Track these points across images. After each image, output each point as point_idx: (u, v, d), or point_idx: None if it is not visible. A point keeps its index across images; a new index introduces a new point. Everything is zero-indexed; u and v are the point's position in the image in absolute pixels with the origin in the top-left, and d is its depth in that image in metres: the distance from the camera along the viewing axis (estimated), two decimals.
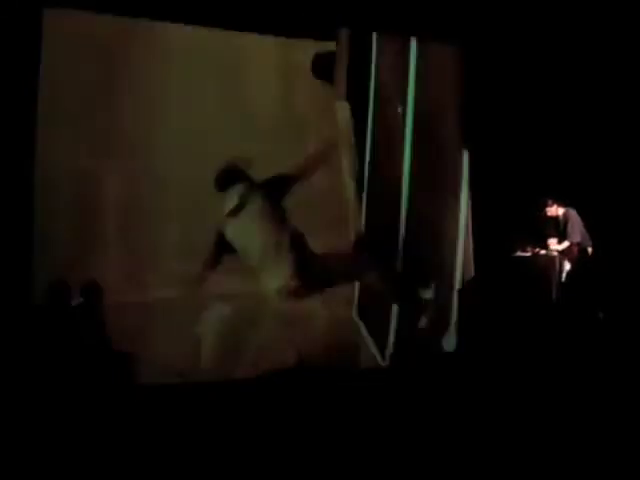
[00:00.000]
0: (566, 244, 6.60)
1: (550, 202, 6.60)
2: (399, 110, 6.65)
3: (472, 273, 6.41)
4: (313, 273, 5.53)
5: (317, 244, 5.73)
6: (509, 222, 6.35)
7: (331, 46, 7.15)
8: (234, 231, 5.57)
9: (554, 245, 6.61)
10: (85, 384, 4.67)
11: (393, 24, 6.09)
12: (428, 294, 6.19)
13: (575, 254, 6.51)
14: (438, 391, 4.52)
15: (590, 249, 6.57)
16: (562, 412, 4.41)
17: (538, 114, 6.31)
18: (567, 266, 6.55)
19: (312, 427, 4.24)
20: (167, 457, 4.06)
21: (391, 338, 6.52)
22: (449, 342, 6.43)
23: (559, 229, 6.66)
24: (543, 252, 6.60)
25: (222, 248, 5.60)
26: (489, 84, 6.30)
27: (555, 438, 4.22)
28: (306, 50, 7.17)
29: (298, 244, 5.54)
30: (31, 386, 4.58)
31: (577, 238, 6.56)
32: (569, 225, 6.60)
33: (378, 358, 6.60)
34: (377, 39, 7.14)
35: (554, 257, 6.53)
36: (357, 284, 7.07)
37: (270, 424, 4.27)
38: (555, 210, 6.64)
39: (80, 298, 5.34)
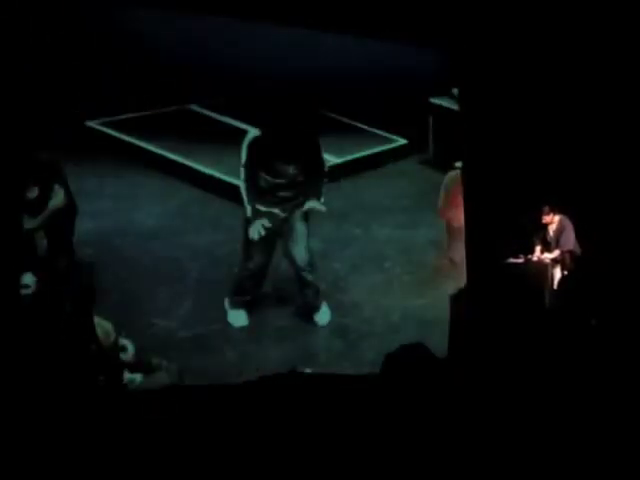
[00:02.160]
0: (557, 252, 6.61)
1: (546, 209, 6.59)
2: None
3: (464, 279, 6.40)
4: None
5: None
6: (502, 229, 6.35)
7: None
8: None
9: (546, 252, 6.61)
10: (75, 387, 4.64)
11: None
12: None
13: (568, 261, 6.52)
14: (429, 399, 4.48)
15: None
16: (556, 419, 4.40)
17: (533, 121, 6.31)
18: (557, 274, 6.56)
19: (304, 432, 4.22)
20: (158, 462, 4.03)
21: None
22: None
23: (552, 237, 6.67)
24: (535, 259, 6.60)
25: None
26: (484, 91, 6.31)
27: (549, 445, 4.20)
28: None
29: None
30: (19, 389, 4.55)
31: (570, 246, 6.57)
32: (564, 233, 6.60)
33: None
34: None
35: (547, 264, 6.53)
36: None
37: (262, 428, 4.24)
38: (551, 218, 6.64)
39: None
